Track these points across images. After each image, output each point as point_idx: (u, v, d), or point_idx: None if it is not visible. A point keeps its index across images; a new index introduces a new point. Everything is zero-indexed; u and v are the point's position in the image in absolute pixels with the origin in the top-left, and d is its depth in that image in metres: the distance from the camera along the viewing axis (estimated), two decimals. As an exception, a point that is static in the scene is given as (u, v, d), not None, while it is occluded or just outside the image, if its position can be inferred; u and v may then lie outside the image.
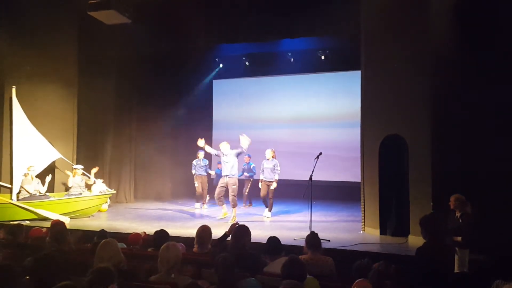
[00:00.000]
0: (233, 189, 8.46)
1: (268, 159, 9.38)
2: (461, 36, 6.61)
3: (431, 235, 3.96)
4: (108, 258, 3.43)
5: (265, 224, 8.44)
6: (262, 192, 9.37)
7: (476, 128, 6.40)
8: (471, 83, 6.46)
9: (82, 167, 9.40)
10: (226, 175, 8.50)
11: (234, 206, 8.50)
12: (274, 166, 9.26)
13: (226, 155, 8.53)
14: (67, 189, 9.38)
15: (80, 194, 9.11)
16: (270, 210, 9.31)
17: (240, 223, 4.72)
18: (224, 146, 8.62)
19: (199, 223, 6.32)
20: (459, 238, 4.89)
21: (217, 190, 8.53)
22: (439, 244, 3.96)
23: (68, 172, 9.40)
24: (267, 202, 9.38)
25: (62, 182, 9.83)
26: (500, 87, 6.35)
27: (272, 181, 9.23)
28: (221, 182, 8.55)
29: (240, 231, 4.37)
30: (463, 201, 5.05)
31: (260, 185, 9.48)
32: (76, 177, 9.21)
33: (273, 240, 4.28)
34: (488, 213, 5.84)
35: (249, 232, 4.39)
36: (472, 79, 6.46)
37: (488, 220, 5.76)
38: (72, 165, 9.60)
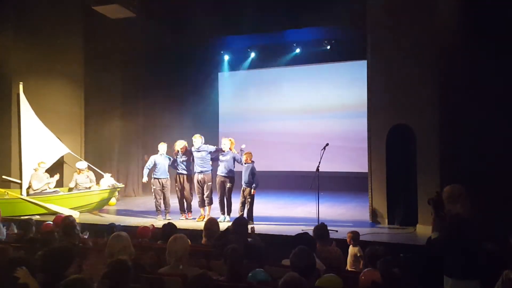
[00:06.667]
0: (208, 185, 7.81)
1: (224, 151, 7.71)
2: (468, 24, 6.53)
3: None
4: (118, 251, 3.46)
5: (273, 216, 8.42)
6: (220, 192, 7.69)
7: (484, 117, 6.34)
8: (479, 71, 6.39)
9: (86, 164, 9.37)
10: (201, 172, 7.78)
11: (209, 204, 7.83)
12: (233, 159, 7.64)
13: (198, 151, 7.77)
14: (70, 190, 9.22)
15: (89, 188, 9.17)
16: (229, 213, 7.68)
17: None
18: (197, 140, 7.80)
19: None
20: None
21: (197, 189, 7.89)
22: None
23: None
24: (224, 205, 7.68)
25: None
26: (509, 76, 6.28)
27: (228, 178, 7.66)
28: (196, 180, 7.87)
29: (241, 223, 4.43)
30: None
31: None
32: (81, 175, 9.20)
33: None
34: (496, 202, 5.80)
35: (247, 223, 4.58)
36: (480, 67, 6.39)
37: (497, 208, 5.72)
38: (80, 160, 9.61)
